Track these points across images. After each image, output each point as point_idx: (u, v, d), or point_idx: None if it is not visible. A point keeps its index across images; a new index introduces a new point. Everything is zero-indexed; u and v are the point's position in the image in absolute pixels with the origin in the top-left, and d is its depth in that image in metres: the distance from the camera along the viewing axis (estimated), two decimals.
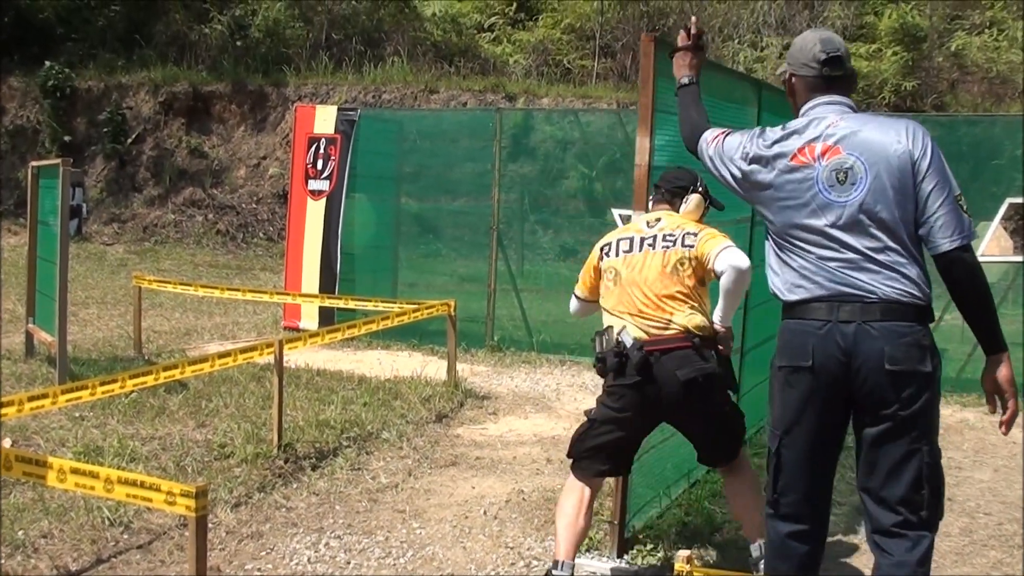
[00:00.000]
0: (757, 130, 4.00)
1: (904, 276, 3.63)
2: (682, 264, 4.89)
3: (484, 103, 21.18)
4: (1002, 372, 3.64)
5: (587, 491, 4.92)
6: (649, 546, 5.63)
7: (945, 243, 3.60)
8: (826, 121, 3.80)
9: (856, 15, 23.17)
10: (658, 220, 5.13)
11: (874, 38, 22.35)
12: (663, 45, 5.44)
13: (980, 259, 3.77)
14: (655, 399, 4.75)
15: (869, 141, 3.70)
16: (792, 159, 3.80)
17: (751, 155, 3.93)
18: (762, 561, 4.67)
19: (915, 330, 3.62)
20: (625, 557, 5.49)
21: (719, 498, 6.32)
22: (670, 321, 4.81)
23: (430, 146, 13.19)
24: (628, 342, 4.78)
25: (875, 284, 3.64)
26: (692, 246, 4.91)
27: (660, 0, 23.65)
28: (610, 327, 4.91)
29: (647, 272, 4.92)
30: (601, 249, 5.19)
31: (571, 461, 4.92)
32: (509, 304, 11.96)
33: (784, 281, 3.86)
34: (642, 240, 5.05)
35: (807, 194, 3.76)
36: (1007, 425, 3.66)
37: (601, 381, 4.97)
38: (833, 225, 3.70)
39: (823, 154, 3.74)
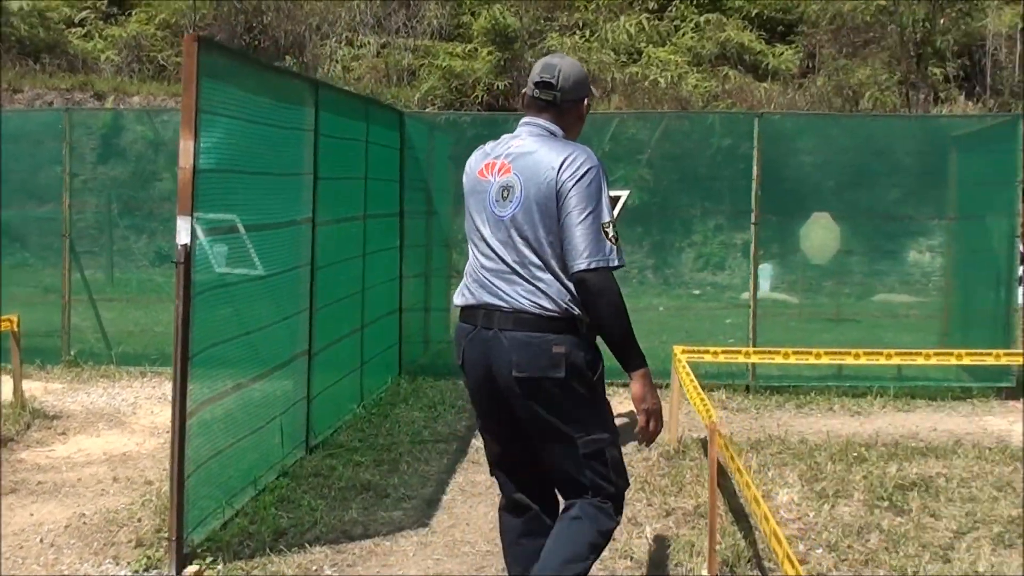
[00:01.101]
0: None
1: (539, 290, 3.88)
2: None
3: (72, 102, 20.14)
4: (633, 389, 3.91)
5: None
6: (209, 559, 5.45)
7: (579, 263, 3.80)
8: (514, 141, 4.08)
9: (452, 15, 23.74)
10: None
11: (469, 38, 23.00)
12: (208, 45, 5.29)
13: None
14: None
15: (533, 163, 3.92)
16: (478, 173, 4.10)
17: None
18: None
19: (546, 339, 3.86)
20: (184, 573, 5.30)
21: (287, 503, 6.31)
22: None
23: (13, 149, 12.28)
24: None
25: (511, 295, 3.92)
26: None
27: None
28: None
29: None
30: None
31: None
32: (92, 315, 11.35)
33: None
34: None
35: (482, 206, 4.04)
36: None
37: None
38: (492, 236, 3.98)
39: (498, 171, 4.01)
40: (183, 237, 5.30)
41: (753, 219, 10.35)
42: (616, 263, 3.81)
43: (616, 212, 10.47)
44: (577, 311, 3.87)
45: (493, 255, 3.97)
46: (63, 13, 24.26)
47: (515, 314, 3.89)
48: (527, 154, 3.95)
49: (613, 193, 10.54)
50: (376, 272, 9.20)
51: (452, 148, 12.18)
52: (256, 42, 23.44)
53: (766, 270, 13.60)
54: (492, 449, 4.33)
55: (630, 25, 24.37)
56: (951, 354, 8.89)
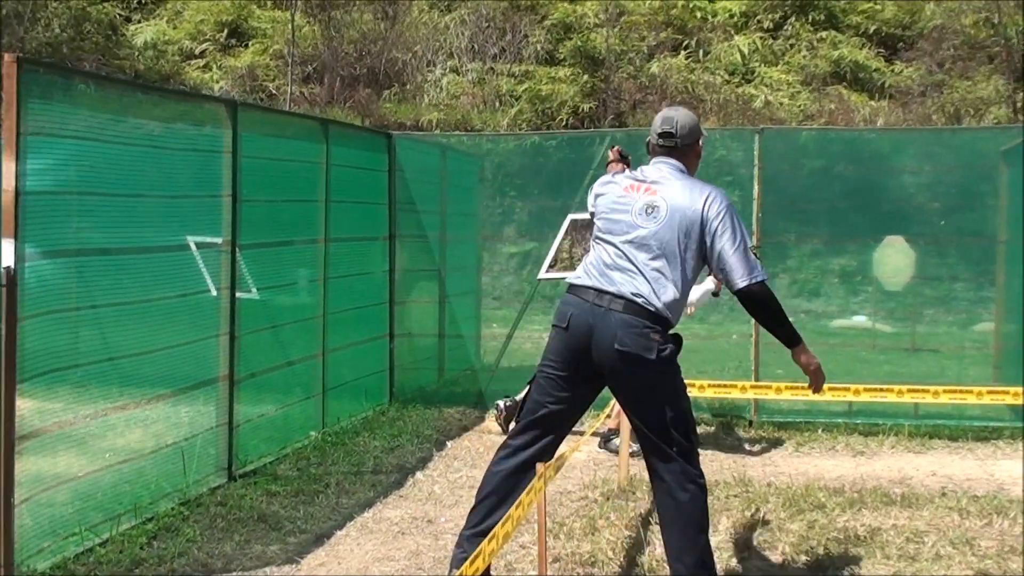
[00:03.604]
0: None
1: (654, 290, 4.80)
2: None
3: None
4: (800, 360, 4.96)
5: None
6: None
7: (741, 281, 4.80)
8: (656, 172, 5.03)
9: (555, 39, 23.68)
10: None
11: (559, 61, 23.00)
12: (27, 64, 5.20)
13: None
14: None
15: (678, 193, 4.87)
16: (624, 189, 5.04)
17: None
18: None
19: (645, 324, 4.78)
20: None
21: (168, 532, 6.19)
22: None
23: None
24: None
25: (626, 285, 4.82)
26: None
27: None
28: None
29: None
30: None
31: None
32: None
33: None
34: None
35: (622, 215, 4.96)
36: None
37: None
38: (627, 241, 4.87)
39: (644, 191, 4.94)
40: (6, 260, 5.19)
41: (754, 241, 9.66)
42: (765, 276, 4.78)
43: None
44: (670, 315, 4.80)
45: (623, 255, 4.84)
46: (184, 46, 24.94)
47: (629, 301, 4.75)
48: (670, 184, 4.91)
49: None
50: (347, 297, 9.01)
51: (479, 171, 11.96)
52: (366, 70, 23.71)
53: None
54: (544, 405, 5.07)
55: (744, 45, 23.85)
56: (964, 391, 7.99)
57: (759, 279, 4.75)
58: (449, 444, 8.82)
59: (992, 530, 6.51)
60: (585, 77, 21.95)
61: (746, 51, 23.71)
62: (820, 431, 9.30)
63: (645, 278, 4.78)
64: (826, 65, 23.14)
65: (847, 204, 13.54)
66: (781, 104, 21.59)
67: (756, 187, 9.67)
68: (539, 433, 5.08)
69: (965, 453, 8.85)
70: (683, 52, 23.78)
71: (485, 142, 14.37)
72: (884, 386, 7.79)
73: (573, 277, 5.05)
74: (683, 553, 4.82)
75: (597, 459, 8.42)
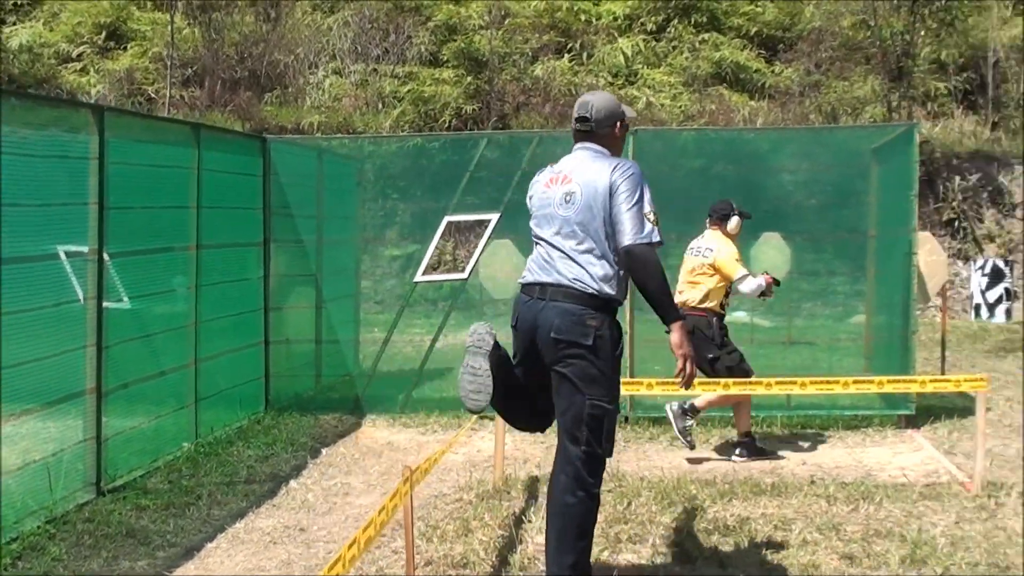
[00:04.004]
0: None
1: (587, 272, 4.88)
2: (699, 267, 8.40)
3: None
4: (672, 338, 4.86)
5: None
6: None
7: (626, 239, 4.84)
8: (572, 160, 5.15)
9: (439, 41, 23.65)
10: (703, 236, 8.64)
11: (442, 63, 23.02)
12: None
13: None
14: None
15: (590, 173, 4.96)
16: (545, 185, 5.18)
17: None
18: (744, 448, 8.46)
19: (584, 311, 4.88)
20: None
21: (33, 552, 6.00)
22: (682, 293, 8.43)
23: None
24: None
25: (563, 274, 4.93)
26: (708, 258, 8.37)
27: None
28: None
29: (685, 267, 8.57)
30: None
31: None
32: None
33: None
34: (693, 249, 8.60)
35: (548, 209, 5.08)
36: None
37: None
38: (556, 232, 4.99)
39: (562, 182, 5.06)
40: None
41: None
42: (657, 239, 4.80)
43: (485, 237, 10.10)
44: (612, 292, 4.87)
45: (554, 246, 4.96)
46: (61, 49, 24.32)
47: (564, 289, 4.86)
48: (584, 168, 5.00)
49: (483, 216, 10.18)
50: (220, 304, 8.87)
51: (358, 174, 11.87)
52: (248, 73, 23.41)
53: None
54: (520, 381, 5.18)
55: (627, 47, 24.09)
56: (831, 382, 8.15)
57: (646, 240, 4.76)
58: (324, 451, 8.73)
59: (858, 515, 6.70)
60: (469, 79, 22.00)
61: (629, 53, 24.01)
62: (695, 424, 9.38)
63: (578, 263, 4.88)
64: (708, 66, 23.55)
65: None
66: (663, 105, 21.88)
67: None
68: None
69: (835, 442, 9.09)
70: (567, 54, 23.97)
71: (367, 144, 14.27)
72: (755, 379, 7.98)
73: (521, 277, 5.17)
74: (559, 553, 4.85)
75: (473, 460, 8.43)
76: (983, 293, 19.44)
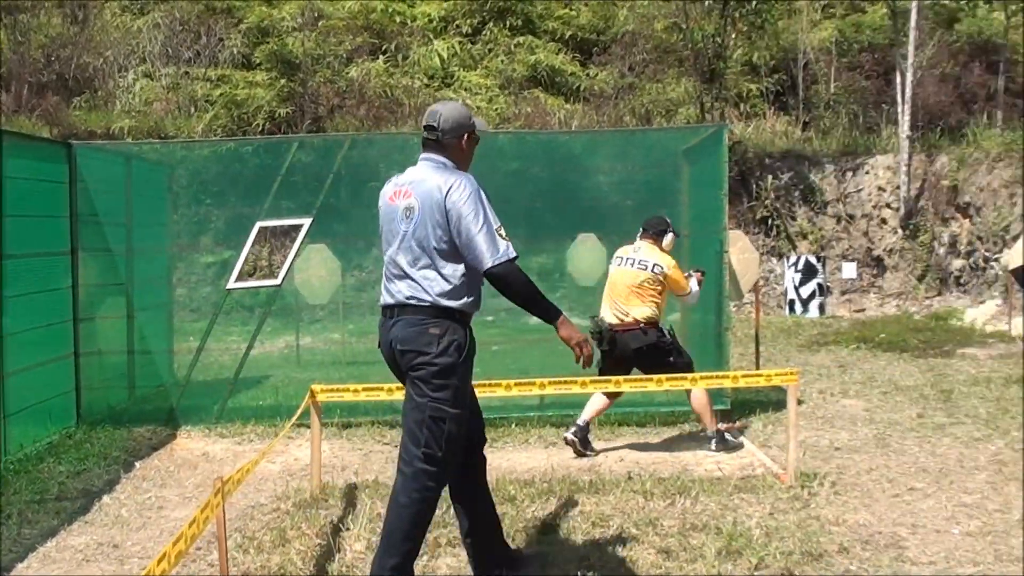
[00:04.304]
0: None
1: (423, 288, 4.96)
2: (647, 282, 8.59)
3: None
4: (561, 334, 4.97)
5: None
6: None
7: (486, 263, 4.85)
8: (415, 172, 5.13)
9: (253, 44, 23.34)
10: (638, 249, 8.75)
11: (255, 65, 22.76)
12: None
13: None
14: (622, 355, 8.59)
15: (427, 188, 4.95)
16: (389, 199, 5.17)
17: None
18: (714, 441, 8.76)
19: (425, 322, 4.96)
20: None
21: None
22: (628, 314, 8.58)
23: None
24: (604, 326, 8.64)
25: (404, 291, 5.02)
26: (659, 274, 8.58)
27: None
28: (603, 315, 8.79)
29: (623, 280, 8.66)
30: (614, 259, 8.93)
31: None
32: None
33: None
34: (627, 259, 8.74)
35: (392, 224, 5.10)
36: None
37: None
38: (397, 248, 5.04)
39: (403, 196, 5.06)
40: None
41: None
42: (513, 255, 4.85)
43: (298, 242, 10.02)
44: (451, 304, 4.93)
45: (394, 262, 5.03)
46: None
47: (405, 306, 4.96)
48: (423, 181, 4.99)
49: (296, 221, 10.10)
50: (27, 316, 8.57)
51: (169, 180, 11.62)
52: (56, 77, 22.66)
53: None
54: None
55: (443, 49, 24.19)
56: (644, 379, 8.31)
57: (504, 259, 4.81)
58: (138, 465, 8.52)
59: (675, 510, 6.85)
60: (282, 81, 21.79)
61: (445, 55, 24.14)
62: (513, 425, 9.60)
63: (414, 280, 4.95)
64: (524, 69, 23.84)
65: (543, 204, 13.95)
66: (479, 108, 22.02)
67: None
68: None
69: (652, 438, 9.31)
70: (382, 56, 23.94)
71: (179, 149, 13.98)
72: (569, 378, 7.93)
73: (380, 300, 5.23)
74: (385, 555, 4.93)
75: (291, 469, 8.36)
76: (797, 289, 20.24)
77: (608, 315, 8.70)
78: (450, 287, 4.93)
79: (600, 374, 8.39)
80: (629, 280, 8.65)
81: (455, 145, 5.15)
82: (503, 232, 4.88)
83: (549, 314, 4.95)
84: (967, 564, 5.83)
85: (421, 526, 5.01)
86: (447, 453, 4.98)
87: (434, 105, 5.27)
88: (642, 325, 8.52)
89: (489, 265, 4.79)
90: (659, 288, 8.63)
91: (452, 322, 4.95)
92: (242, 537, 6.34)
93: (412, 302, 4.93)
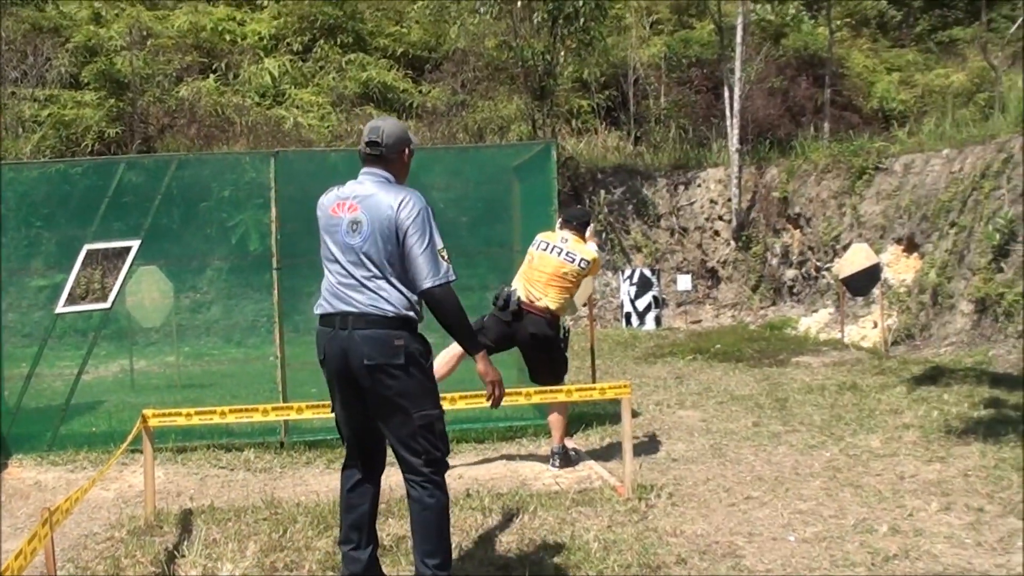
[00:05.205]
0: None
1: (381, 298, 5.07)
2: (571, 274, 8.78)
3: None
4: (478, 368, 5.28)
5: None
6: None
7: (425, 283, 5.08)
8: (359, 186, 5.23)
9: (81, 63, 22.86)
10: (566, 240, 8.89)
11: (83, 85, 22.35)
12: None
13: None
14: (514, 332, 8.69)
15: (376, 203, 5.10)
16: (331, 211, 5.23)
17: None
18: (558, 457, 8.74)
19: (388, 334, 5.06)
20: None
21: None
22: (542, 299, 8.70)
23: None
24: (514, 297, 8.67)
25: (361, 302, 5.10)
26: (584, 268, 8.84)
27: None
28: (515, 287, 8.79)
29: (545, 266, 8.78)
30: (537, 242, 9.00)
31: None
32: None
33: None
34: (553, 247, 8.86)
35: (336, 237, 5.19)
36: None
37: None
38: (345, 260, 5.13)
39: (348, 209, 5.15)
40: None
41: (275, 264, 9.75)
42: (452, 278, 5.07)
43: (127, 265, 9.91)
44: (410, 313, 5.07)
45: (346, 274, 5.10)
46: None
47: (365, 316, 5.03)
48: (370, 196, 5.12)
49: (123, 244, 9.99)
50: None
51: None
52: None
53: None
54: (345, 424, 5.44)
55: (274, 67, 24.09)
56: (477, 395, 8.41)
57: (441, 282, 5.01)
58: None
59: (513, 525, 6.94)
60: (111, 101, 21.40)
61: (276, 73, 24.08)
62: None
63: (371, 290, 5.06)
64: (355, 86, 23.92)
65: None
66: (311, 125, 22.02)
67: (273, 209, 9.72)
68: (360, 455, 5.50)
69: (491, 454, 9.35)
70: (212, 75, 23.74)
71: (7, 171, 13.65)
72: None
73: (316, 307, 5.29)
74: (429, 555, 5.23)
75: (125, 496, 8.25)
76: (633, 302, 20.61)
77: (521, 292, 8.78)
78: (406, 299, 5.08)
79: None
80: (552, 268, 8.77)
81: (397, 159, 5.31)
82: (445, 254, 5.08)
83: (472, 344, 5.25)
84: (804, 571, 5.97)
85: (448, 518, 5.38)
86: (445, 447, 5.31)
87: (374, 121, 5.42)
88: (548, 316, 8.69)
89: (427, 286, 4.99)
90: (577, 281, 8.87)
91: (409, 331, 5.10)
92: (75, 567, 6.30)
93: (373, 311, 5.04)
